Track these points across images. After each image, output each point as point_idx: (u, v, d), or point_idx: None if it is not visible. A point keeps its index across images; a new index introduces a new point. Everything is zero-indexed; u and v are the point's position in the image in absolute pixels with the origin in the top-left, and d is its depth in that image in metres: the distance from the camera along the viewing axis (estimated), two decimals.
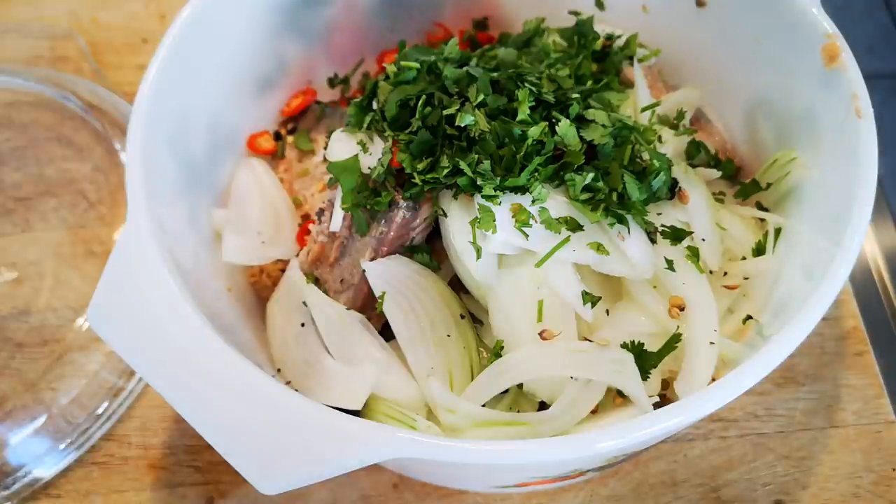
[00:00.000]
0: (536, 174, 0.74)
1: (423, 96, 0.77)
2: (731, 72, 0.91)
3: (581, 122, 0.77)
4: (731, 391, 0.63)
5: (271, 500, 0.89)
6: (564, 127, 0.75)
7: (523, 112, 0.75)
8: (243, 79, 0.93)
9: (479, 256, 0.74)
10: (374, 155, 0.79)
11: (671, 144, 0.84)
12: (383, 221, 0.78)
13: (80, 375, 0.95)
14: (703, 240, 0.79)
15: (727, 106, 0.94)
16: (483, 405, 0.74)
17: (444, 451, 0.61)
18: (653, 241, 0.76)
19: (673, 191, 0.78)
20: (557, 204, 0.75)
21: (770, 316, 0.78)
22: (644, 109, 0.86)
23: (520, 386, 0.75)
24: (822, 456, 0.92)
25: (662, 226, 0.77)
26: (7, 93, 1.14)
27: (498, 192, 0.73)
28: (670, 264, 0.75)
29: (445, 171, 0.74)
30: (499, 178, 0.73)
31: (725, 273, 0.82)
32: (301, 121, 0.99)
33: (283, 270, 0.88)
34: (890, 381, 0.96)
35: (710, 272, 0.79)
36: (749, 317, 0.80)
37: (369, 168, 0.79)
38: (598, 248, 0.73)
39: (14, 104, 1.14)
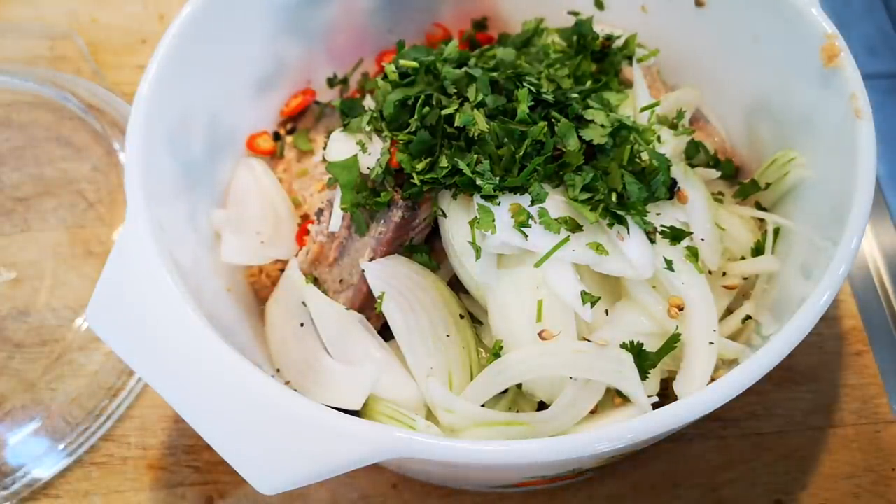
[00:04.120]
0: (535, 174, 0.74)
1: (422, 96, 0.78)
2: (731, 72, 0.91)
3: (580, 122, 0.77)
4: (730, 391, 0.63)
5: (271, 500, 0.89)
6: (563, 127, 0.75)
7: (522, 112, 0.75)
8: (242, 79, 0.93)
9: (478, 256, 0.74)
10: (373, 155, 0.79)
11: (670, 144, 0.84)
12: (382, 221, 0.78)
13: (79, 375, 0.95)
14: (703, 240, 0.79)
15: (726, 106, 0.94)
16: (482, 405, 0.74)
17: (443, 451, 0.61)
18: (652, 241, 0.76)
19: (672, 191, 0.78)
20: (557, 204, 0.75)
21: (769, 316, 0.78)
22: (643, 109, 0.86)
23: (519, 386, 0.75)
24: (821, 455, 0.92)
25: (662, 226, 0.77)
26: (6, 93, 1.14)
27: (497, 192, 0.73)
28: (669, 264, 0.75)
29: (444, 171, 0.74)
30: (498, 178, 0.73)
31: (724, 273, 0.82)
32: (300, 121, 0.99)
33: (282, 270, 0.88)
34: (889, 381, 0.96)
35: (710, 272, 0.79)
36: (748, 317, 0.80)
37: (368, 168, 0.79)
38: (598, 248, 0.73)
39: (13, 104, 1.14)
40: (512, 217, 0.73)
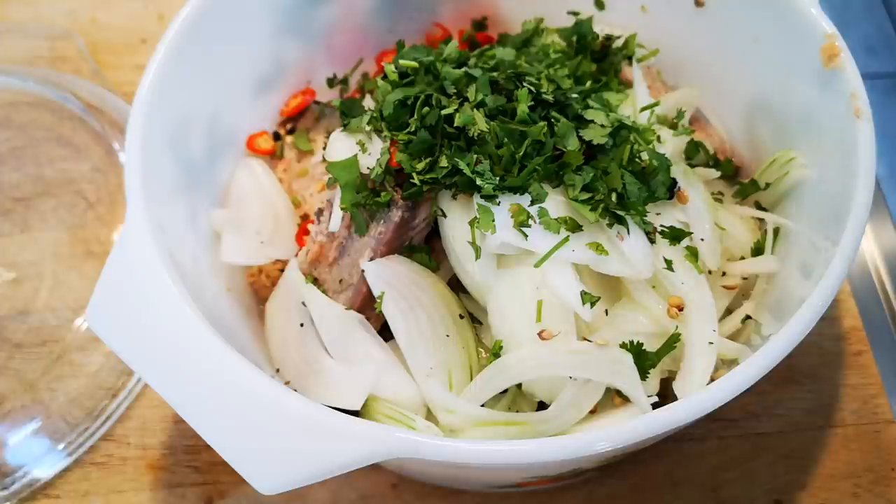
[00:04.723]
0: (535, 174, 0.74)
1: (422, 96, 0.78)
2: (730, 72, 0.91)
3: (580, 122, 0.77)
4: (730, 391, 0.63)
5: (270, 500, 0.89)
6: (563, 127, 0.75)
7: (522, 112, 0.75)
8: (242, 79, 0.93)
9: (478, 256, 0.74)
10: (372, 155, 0.79)
11: (670, 144, 0.84)
12: (382, 221, 0.78)
13: (78, 376, 0.95)
14: (702, 240, 0.79)
15: (726, 106, 0.94)
16: (482, 405, 0.74)
17: (443, 451, 0.61)
18: (652, 241, 0.76)
19: (672, 191, 0.78)
20: (556, 204, 0.75)
21: (769, 316, 0.78)
22: (643, 109, 0.86)
23: (519, 386, 0.75)
24: (821, 456, 0.92)
25: (661, 226, 0.77)
26: (6, 93, 1.14)
27: (497, 192, 0.73)
28: (669, 264, 0.75)
29: (444, 172, 0.74)
30: (498, 178, 0.73)
31: (724, 273, 0.82)
32: (300, 121, 0.99)
33: (281, 270, 0.88)
34: (889, 381, 0.96)
35: (709, 272, 0.79)
36: (748, 317, 0.80)
37: (368, 168, 0.79)
38: (598, 248, 0.73)
39: (13, 104, 1.14)
40: (512, 217, 0.73)
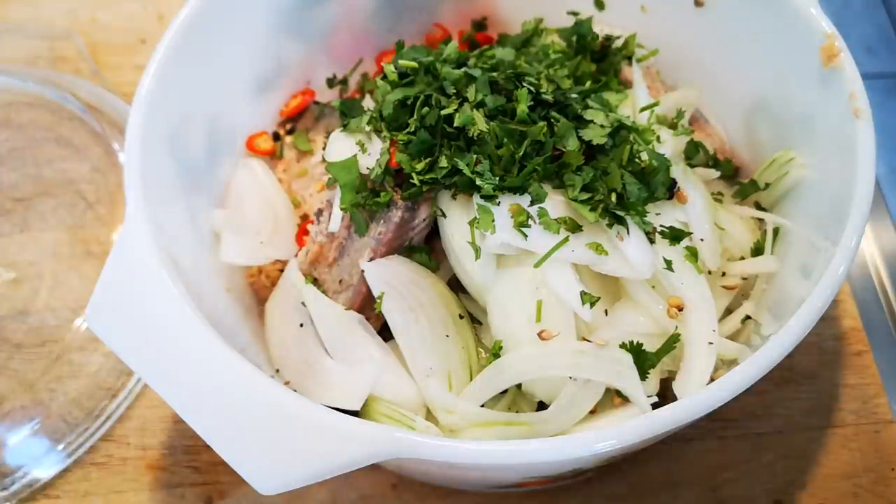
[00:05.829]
0: (535, 174, 0.74)
1: (422, 96, 0.78)
2: (730, 72, 0.91)
3: (580, 122, 0.77)
4: (730, 391, 0.63)
5: (270, 500, 0.89)
6: (563, 127, 0.75)
7: (522, 112, 0.75)
8: (242, 79, 0.93)
9: (477, 257, 0.74)
10: (372, 155, 0.79)
11: (670, 144, 0.84)
12: (382, 222, 0.78)
13: (78, 376, 0.95)
14: (702, 240, 0.79)
15: (725, 106, 0.94)
16: (482, 405, 0.74)
17: (443, 452, 0.61)
18: (651, 241, 0.76)
19: (672, 191, 0.78)
20: (556, 204, 0.75)
21: (768, 316, 0.78)
22: (643, 109, 0.86)
23: (518, 386, 0.75)
24: (820, 456, 0.92)
25: (661, 226, 0.77)
26: (6, 93, 1.14)
27: (496, 193, 0.73)
28: (669, 264, 0.75)
29: (444, 172, 0.74)
30: (497, 178, 0.73)
31: (724, 273, 0.82)
32: (300, 121, 0.99)
33: (281, 271, 0.88)
34: (888, 381, 0.96)
35: (709, 272, 0.79)
36: (747, 317, 0.80)
37: (368, 168, 0.79)
38: (597, 248, 0.73)
39: (13, 104, 1.14)
40: (511, 217, 0.73)
